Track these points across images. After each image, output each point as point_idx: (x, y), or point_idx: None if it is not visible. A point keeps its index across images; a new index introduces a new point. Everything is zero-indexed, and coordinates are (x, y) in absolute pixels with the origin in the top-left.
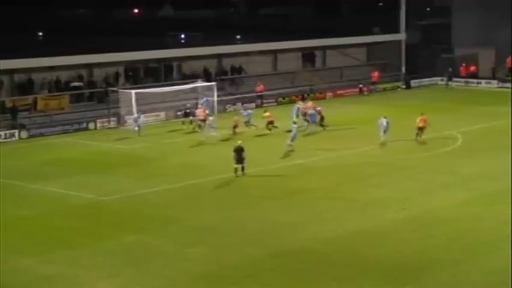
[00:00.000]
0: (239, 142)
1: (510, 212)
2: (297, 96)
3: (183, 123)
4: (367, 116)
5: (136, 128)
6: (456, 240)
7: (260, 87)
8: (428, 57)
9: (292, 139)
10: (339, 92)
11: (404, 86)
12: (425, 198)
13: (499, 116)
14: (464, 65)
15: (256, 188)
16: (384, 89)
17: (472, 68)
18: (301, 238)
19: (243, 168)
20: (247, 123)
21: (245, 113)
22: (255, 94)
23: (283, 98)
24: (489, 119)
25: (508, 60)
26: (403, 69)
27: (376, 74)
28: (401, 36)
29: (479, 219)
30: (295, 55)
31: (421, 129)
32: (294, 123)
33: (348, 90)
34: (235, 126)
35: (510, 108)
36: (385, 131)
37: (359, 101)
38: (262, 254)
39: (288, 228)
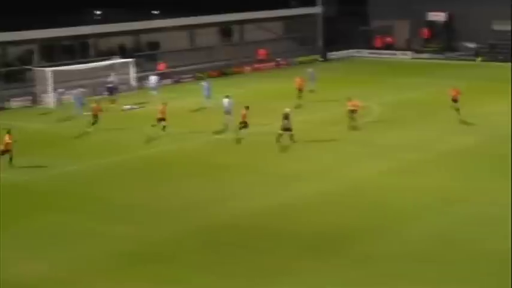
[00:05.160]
0: (287, 109)
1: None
2: (214, 71)
3: (112, 102)
4: (285, 90)
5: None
6: (376, 211)
7: (161, 66)
8: (345, 30)
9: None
10: (256, 66)
11: (321, 59)
12: (345, 170)
13: (414, 87)
14: (379, 36)
15: (179, 165)
16: (301, 62)
17: (388, 40)
18: (224, 213)
19: (292, 136)
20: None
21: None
22: (157, 72)
23: (201, 73)
24: (405, 90)
25: (423, 31)
26: (320, 42)
27: (262, 51)
28: (318, 9)
29: (398, 190)
30: (213, 30)
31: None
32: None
33: (265, 65)
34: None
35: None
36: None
37: (277, 75)
38: (187, 230)
39: (212, 204)
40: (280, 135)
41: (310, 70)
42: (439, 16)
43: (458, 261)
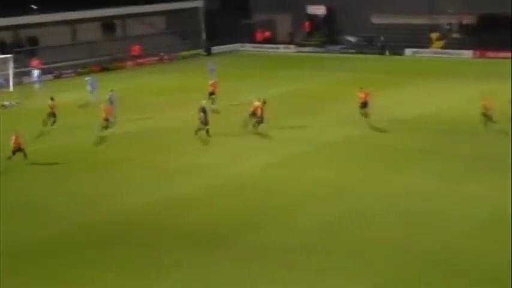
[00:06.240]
0: (203, 102)
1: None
2: (96, 67)
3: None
4: (168, 84)
5: None
6: (263, 203)
7: (34, 62)
8: (228, 24)
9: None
10: (139, 61)
11: (205, 53)
12: (233, 163)
13: (298, 80)
14: (259, 30)
15: (67, 160)
16: (184, 57)
17: (266, 33)
18: (110, 209)
19: (201, 129)
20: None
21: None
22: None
23: (83, 69)
24: (289, 83)
25: (304, 25)
26: (203, 36)
27: (136, 47)
28: (200, 3)
29: (285, 182)
30: (95, 25)
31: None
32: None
33: (148, 59)
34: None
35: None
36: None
37: (160, 69)
38: (73, 227)
39: (97, 200)
40: (205, 129)
41: (210, 63)
42: (319, 10)
43: (345, 251)
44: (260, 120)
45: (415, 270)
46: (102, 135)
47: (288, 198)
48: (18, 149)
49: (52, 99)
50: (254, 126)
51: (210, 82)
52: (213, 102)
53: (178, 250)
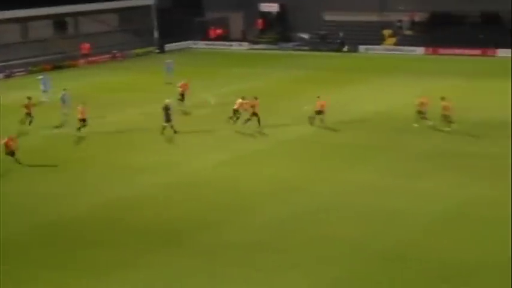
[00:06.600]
0: (167, 100)
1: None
2: (48, 65)
3: None
4: (121, 82)
5: None
6: (219, 201)
7: None
8: (181, 21)
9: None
10: (92, 59)
11: (157, 51)
12: (189, 162)
13: (251, 78)
14: (212, 28)
15: (22, 161)
16: (137, 54)
17: (219, 31)
18: (68, 208)
19: (172, 127)
20: None
21: None
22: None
23: (34, 67)
24: (242, 80)
25: (257, 22)
26: (156, 33)
27: (86, 46)
28: (151, 0)
29: (240, 179)
30: (46, 22)
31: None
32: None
33: (100, 57)
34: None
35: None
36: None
37: (114, 67)
38: (29, 227)
39: (55, 199)
40: (164, 127)
41: (168, 61)
42: (272, 7)
43: (300, 248)
44: (257, 118)
45: (370, 266)
46: (81, 136)
47: (243, 196)
48: (12, 152)
49: (29, 98)
50: (246, 122)
51: (180, 83)
52: (180, 103)
53: (135, 249)
